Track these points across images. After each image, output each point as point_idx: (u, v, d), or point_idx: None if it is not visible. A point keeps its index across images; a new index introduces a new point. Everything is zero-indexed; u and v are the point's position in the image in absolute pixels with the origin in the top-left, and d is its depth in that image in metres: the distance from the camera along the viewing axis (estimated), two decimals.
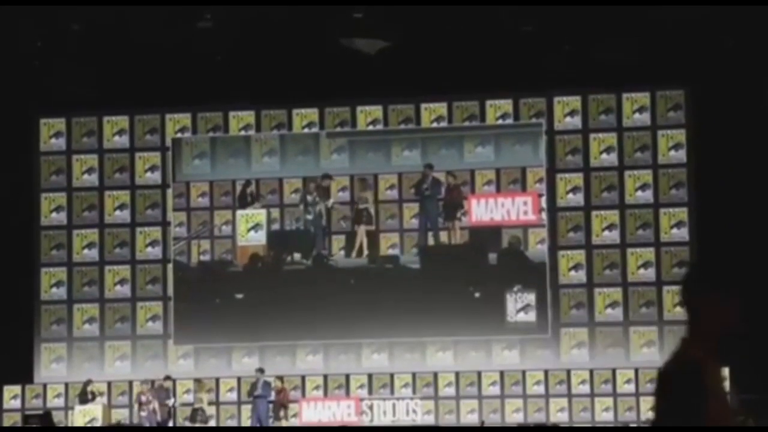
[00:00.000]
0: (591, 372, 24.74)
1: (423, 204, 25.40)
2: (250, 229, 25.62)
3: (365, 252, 25.52)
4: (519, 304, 25.00)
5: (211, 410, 25.18)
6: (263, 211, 25.68)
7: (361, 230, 25.49)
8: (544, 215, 25.14)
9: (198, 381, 25.03)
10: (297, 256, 25.88)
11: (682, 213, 24.92)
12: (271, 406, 24.43)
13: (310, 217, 25.48)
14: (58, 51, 24.62)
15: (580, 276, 25.16)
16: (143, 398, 24.42)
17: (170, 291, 25.87)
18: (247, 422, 24.78)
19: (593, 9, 23.37)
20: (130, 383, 25.54)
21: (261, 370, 24.63)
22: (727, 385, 23.45)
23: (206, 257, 26.04)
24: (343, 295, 25.26)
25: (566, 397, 24.70)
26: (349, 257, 25.67)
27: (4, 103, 25.45)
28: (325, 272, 25.54)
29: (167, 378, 24.90)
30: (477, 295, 25.02)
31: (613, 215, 25.11)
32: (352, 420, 23.84)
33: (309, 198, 25.49)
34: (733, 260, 23.32)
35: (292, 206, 25.88)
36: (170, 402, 24.68)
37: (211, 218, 26.03)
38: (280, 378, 24.57)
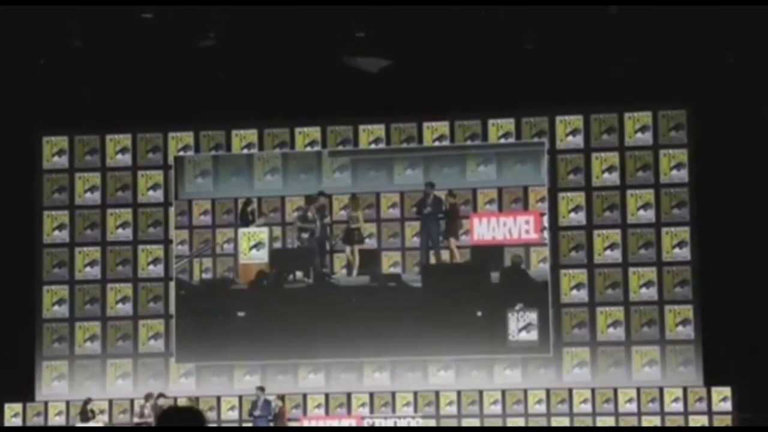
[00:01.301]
0: (593, 391, 24.71)
1: (424, 223, 25.40)
2: (252, 248, 25.61)
3: (355, 272, 25.47)
4: (521, 323, 24.98)
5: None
6: (265, 230, 25.68)
7: (354, 250, 25.45)
8: (545, 234, 25.14)
9: (190, 399, 24.93)
10: (299, 274, 25.87)
11: (684, 232, 24.92)
12: (271, 425, 24.40)
13: (305, 235, 25.46)
14: (61, 68, 24.66)
15: (582, 295, 25.15)
16: (146, 411, 24.34)
17: (172, 309, 25.86)
18: None
19: (595, 27, 23.45)
20: (132, 401, 25.52)
21: (261, 389, 24.61)
22: (729, 405, 23.57)
23: (208, 275, 26.04)
24: (344, 313, 25.26)
25: (568, 416, 24.66)
26: (351, 276, 25.66)
27: (6, 121, 25.49)
28: (327, 291, 25.54)
29: (160, 396, 24.76)
30: (479, 314, 25.01)
31: (615, 234, 25.11)
32: None
33: (310, 215, 25.44)
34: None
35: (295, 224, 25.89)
36: None
37: (213, 236, 26.04)
38: (281, 397, 24.55)
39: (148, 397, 24.62)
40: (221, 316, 25.68)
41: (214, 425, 25.25)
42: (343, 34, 23.94)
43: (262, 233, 25.57)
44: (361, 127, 25.87)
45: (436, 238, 25.38)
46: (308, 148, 25.99)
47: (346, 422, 24.50)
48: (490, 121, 25.57)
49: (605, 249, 25.12)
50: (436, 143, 25.69)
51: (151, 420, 24.26)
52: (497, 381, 25.11)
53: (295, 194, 25.90)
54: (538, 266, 25.17)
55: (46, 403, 25.72)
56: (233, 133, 26.15)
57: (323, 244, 25.60)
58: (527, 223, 25.09)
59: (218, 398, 25.48)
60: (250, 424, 24.61)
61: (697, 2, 22.54)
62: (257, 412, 24.29)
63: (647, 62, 23.83)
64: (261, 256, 25.66)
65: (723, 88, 23.81)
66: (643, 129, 25.23)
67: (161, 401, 24.69)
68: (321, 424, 24.56)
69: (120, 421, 25.38)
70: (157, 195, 26.21)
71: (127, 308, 26.04)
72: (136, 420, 24.43)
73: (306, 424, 24.54)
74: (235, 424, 25.24)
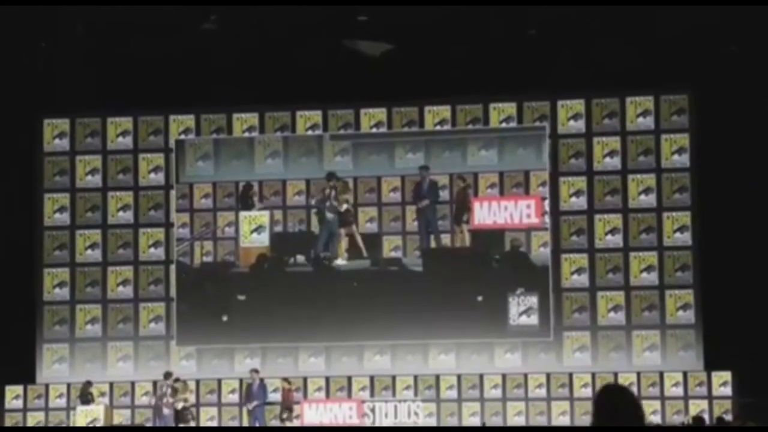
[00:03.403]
0: (593, 375, 24.73)
1: (421, 211, 25.35)
2: (253, 231, 25.61)
3: (346, 255, 25.45)
4: (521, 308, 25.00)
5: (210, 411, 25.18)
6: (266, 213, 25.68)
7: (351, 232, 25.38)
8: (546, 219, 25.14)
9: (184, 382, 24.90)
10: (300, 258, 25.87)
11: (685, 217, 24.92)
12: (269, 407, 24.42)
13: (331, 216, 25.33)
14: (62, 52, 24.64)
15: (583, 279, 25.16)
16: (171, 400, 24.27)
17: (173, 292, 25.87)
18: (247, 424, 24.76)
19: (597, 12, 23.42)
20: (132, 384, 25.56)
21: (256, 371, 24.65)
22: (730, 389, 23.57)
23: (209, 258, 26.03)
24: (345, 297, 25.27)
25: (568, 400, 24.70)
26: (352, 260, 25.63)
27: (8, 104, 25.46)
28: (328, 274, 25.54)
29: (176, 378, 24.74)
30: (479, 298, 25.02)
31: (616, 219, 25.11)
32: (354, 422, 23.82)
33: (335, 202, 25.29)
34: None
35: (296, 208, 25.85)
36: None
37: (214, 220, 26.02)
38: (286, 379, 24.57)
39: (166, 375, 24.58)
40: (222, 299, 25.67)
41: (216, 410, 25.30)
42: (345, 17, 23.91)
43: (262, 217, 25.56)
44: (363, 111, 25.85)
45: (434, 224, 25.34)
46: (309, 132, 25.97)
47: (346, 405, 24.53)
48: (492, 105, 25.55)
49: (606, 233, 25.13)
50: (438, 127, 25.66)
51: (171, 400, 24.18)
52: (497, 365, 25.14)
53: (296, 178, 25.88)
54: (539, 250, 25.18)
55: (46, 386, 25.75)
56: (234, 117, 26.13)
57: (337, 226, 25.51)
58: (528, 207, 25.08)
59: (219, 381, 25.50)
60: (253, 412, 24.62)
61: (697, 2, 22.58)
62: (254, 402, 24.24)
63: (649, 47, 23.80)
64: (262, 240, 25.66)
65: (725, 73, 23.79)
66: (644, 113, 25.22)
67: (178, 383, 24.62)
68: (321, 406, 24.58)
69: (121, 404, 25.41)
70: (158, 178, 26.20)
71: (127, 291, 26.05)
72: (166, 411, 24.21)
73: (306, 407, 24.55)
74: (236, 407, 25.24)
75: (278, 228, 25.88)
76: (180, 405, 24.39)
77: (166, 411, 24.17)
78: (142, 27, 24.03)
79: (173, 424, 23.98)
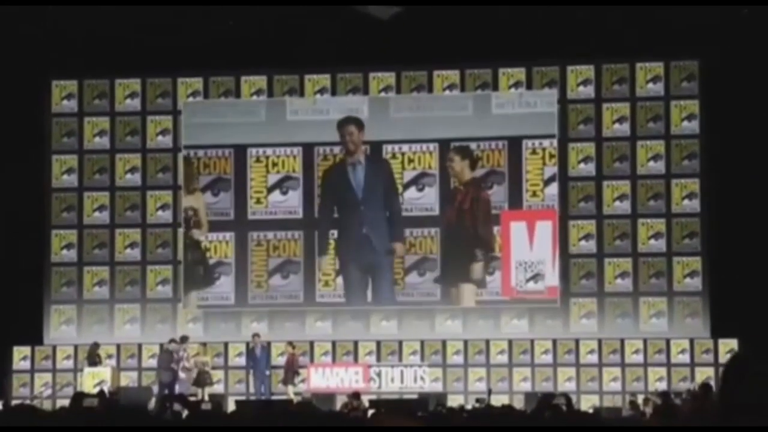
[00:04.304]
0: (599, 342, 24.73)
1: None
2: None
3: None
4: (528, 273, 24.97)
5: (217, 374, 25.24)
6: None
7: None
8: (555, 185, 25.04)
9: (204, 345, 24.93)
10: None
11: (694, 184, 24.84)
12: (275, 371, 24.48)
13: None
14: (71, 13, 24.53)
15: (591, 246, 25.11)
16: (188, 364, 24.28)
17: (180, 255, 25.87)
18: (252, 388, 24.76)
19: None
20: (140, 346, 25.61)
21: (258, 335, 24.67)
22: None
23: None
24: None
25: (574, 366, 24.71)
26: None
27: (16, 65, 25.37)
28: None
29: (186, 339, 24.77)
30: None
31: (625, 185, 25.03)
32: (360, 386, 23.85)
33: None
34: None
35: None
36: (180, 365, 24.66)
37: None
38: (291, 343, 24.60)
39: (183, 339, 24.58)
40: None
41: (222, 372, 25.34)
42: None
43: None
44: (371, 75, 25.75)
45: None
46: (318, 96, 25.84)
47: (352, 370, 24.56)
48: (501, 70, 25.43)
49: (614, 200, 25.05)
50: (447, 92, 25.55)
51: (187, 364, 24.19)
52: (504, 331, 25.12)
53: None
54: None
55: (54, 347, 25.81)
56: (242, 79, 26.04)
57: None
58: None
59: (225, 344, 25.53)
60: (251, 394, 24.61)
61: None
62: (258, 368, 24.23)
63: (660, 12, 23.63)
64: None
65: (736, 38, 23.61)
66: (654, 79, 25.09)
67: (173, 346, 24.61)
68: (328, 371, 24.62)
69: (128, 366, 25.47)
70: (166, 141, 26.15)
71: (135, 253, 26.05)
72: (183, 375, 24.19)
73: (313, 371, 24.60)
74: (243, 370, 25.26)
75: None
76: (206, 368, 24.41)
77: (182, 375, 24.22)
78: None
79: (190, 388, 24.02)
